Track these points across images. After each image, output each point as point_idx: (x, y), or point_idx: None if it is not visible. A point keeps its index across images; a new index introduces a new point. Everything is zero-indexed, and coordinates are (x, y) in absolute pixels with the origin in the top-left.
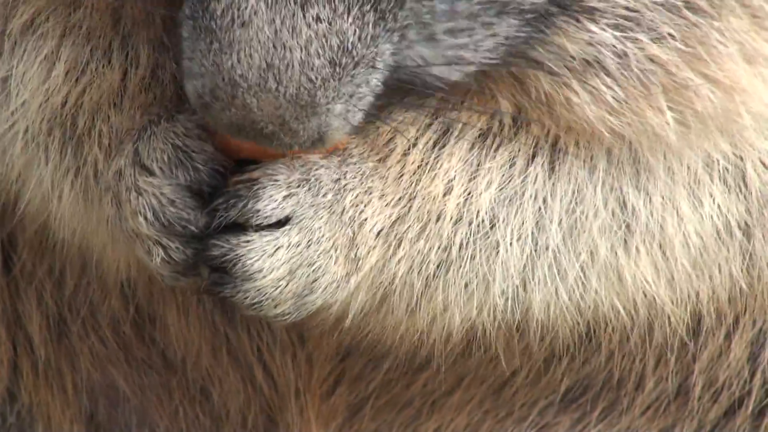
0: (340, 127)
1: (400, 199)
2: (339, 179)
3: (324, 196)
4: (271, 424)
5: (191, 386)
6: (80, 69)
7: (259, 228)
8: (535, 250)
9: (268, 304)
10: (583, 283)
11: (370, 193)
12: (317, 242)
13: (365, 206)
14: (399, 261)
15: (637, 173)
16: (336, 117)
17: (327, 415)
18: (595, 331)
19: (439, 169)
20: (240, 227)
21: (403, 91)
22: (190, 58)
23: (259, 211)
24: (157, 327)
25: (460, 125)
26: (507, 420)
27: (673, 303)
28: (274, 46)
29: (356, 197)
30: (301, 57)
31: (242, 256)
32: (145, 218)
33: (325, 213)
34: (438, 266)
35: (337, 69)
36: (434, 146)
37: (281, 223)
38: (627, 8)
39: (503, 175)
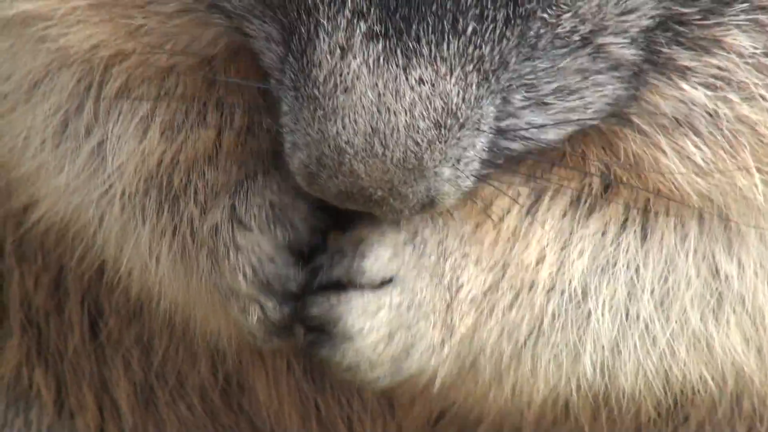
0: (450, 192)
1: (494, 265)
2: (441, 241)
3: (429, 257)
4: None
5: None
6: (176, 129)
7: (361, 287)
8: (627, 320)
9: (365, 368)
10: (672, 352)
11: (467, 258)
12: (418, 305)
13: (462, 271)
14: (490, 329)
15: (729, 240)
16: (445, 181)
17: None
18: (682, 403)
19: (532, 237)
20: (341, 286)
21: (505, 154)
22: (294, 130)
23: (365, 270)
24: (245, 395)
25: (551, 190)
26: None
27: (762, 373)
28: (379, 111)
29: (455, 261)
30: (406, 120)
31: (343, 315)
32: (244, 275)
33: (428, 275)
34: (528, 336)
35: (443, 131)
36: (528, 213)
37: (382, 283)
38: (719, 67)
39: (595, 244)
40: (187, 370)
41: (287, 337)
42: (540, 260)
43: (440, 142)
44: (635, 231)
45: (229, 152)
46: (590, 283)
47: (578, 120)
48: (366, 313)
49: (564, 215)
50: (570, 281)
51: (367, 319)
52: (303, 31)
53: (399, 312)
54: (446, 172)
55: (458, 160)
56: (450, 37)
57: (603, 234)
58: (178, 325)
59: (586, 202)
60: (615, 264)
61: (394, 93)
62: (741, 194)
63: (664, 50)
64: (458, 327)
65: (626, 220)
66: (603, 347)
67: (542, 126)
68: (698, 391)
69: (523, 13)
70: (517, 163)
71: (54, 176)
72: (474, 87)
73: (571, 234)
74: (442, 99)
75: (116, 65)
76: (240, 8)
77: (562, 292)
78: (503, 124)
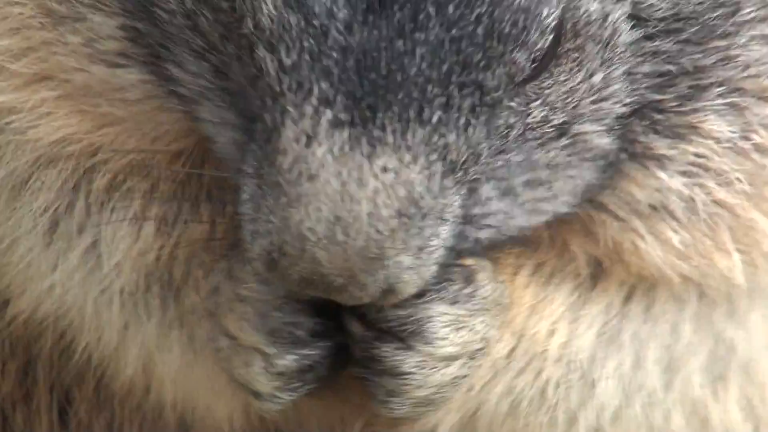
0: (411, 281)
1: (512, 335)
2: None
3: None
4: None
5: None
6: (170, 224)
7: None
8: (630, 390)
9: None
10: (670, 417)
11: (495, 323)
12: (477, 346)
13: (490, 332)
14: (497, 385)
15: (731, 308)
16: (406, 270)
17: None
18: None
19: (544, 311)
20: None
21: (474, 242)
22: (254, 218)
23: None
24: None
25: (558, 269)
26: None
27: None
28: (342, 199)
29: (488, 322)
30: (368, 209)
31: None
32: (254, 327)
33: (481, 322)
34: (531, 399)
35: (405, 220)
36: (541, 285)
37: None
38: (696, 154)
39: (603, 319)
40: None
41: (293, 391)
42: (550, 334)
43: (402, 231)
44: (640, 303)
45: (224, 238)
46: (597, 354)
47: (548, 210)
48: (451, 327)
49: (572, 293)
50: (577, 353)
51: (451, 332)
52: (268, 118)
53: (469, 341)
54: (407, 260)
55: (420, 249)
56: (415, 125)
57: (608, 306)
58: (148, 413)
59: (592, 279)
60: (620, 335)
61: (357, 181)
62: (720, 274)
63: (641, 139)
64: (474, 381)
65: (631, 293)
66: (601, 415)
67: (510, 216)
68: None
69: (490, 101)
70: (493, 248)
71: (45, 276)
72: (438, 176)
73: (579, 311)
74: (405, 188)
75: (101, 162)
76: (195, 93)
77: (569, 363)
78: (470, 212)
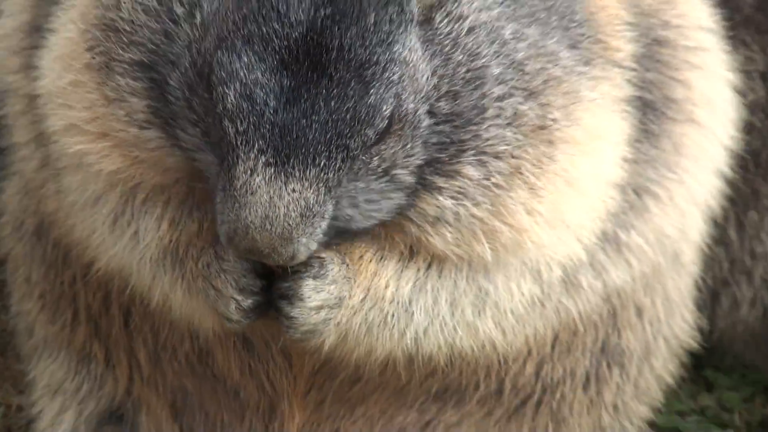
0: (304, 252)
1: (365, 289)
2: (345, 275)
3: (341, 280)
4: (272, 411)
5: (228, 390)
6: (177, 223)
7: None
8: (432, 314)
9: (303, 324)
10: (455, 332)
11: (352, 282)
12: (334, 300)
13: (350, 289)
14: (357, 318)
15: (486, 271)
16: (302, 245)
17: (304, 407)
18: (454, 360)
19: (381, 275)
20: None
21: (336, 231)
22: (221, 213)
23: (303, 294)
24: (210, 358)
25: (390, 249)
26: (403, 407)
27: (505, 343)
28: (269, 206)
29: (349, 284)
30: (284, 212)
31: (301, 289)
32: (230, 285)
33: (338, 288)
34: (380, 323)
35: (303, 218)
36: (379, 260)
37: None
38: (459, 187)
39: (415, 276)
40: (177, 344)
41: (250, 319)
42: (386, 286)
43: (302, 224)
44: (436, 271)
45: (208, 231)
46: (413, 297)
47: (378, 217)
48: (314, 291)
49: (398, 262)
50: (402, 296)
51: (314, 294)
52: (230, 159)
53: (329, 297)
54: (303, 240)
55: (310, 234)
56: (310, 167)
57: (418, 271)
58: (175, 322)
59: (410, 255)
60: (425, 285)
61: (278, 197)
62: (478, 256)
63: (429, 177)
64: (342, 316)
65: (430, 264)
66: (418, 330)
67: (354, 219)
68: (465, 353)
69: (351, 156)
70: (357, 236)
71: (109, 250)
72: (322, 195)
73: (401, 272)
74: (303, 201)
75: (137, 186)
76: (192, 145)
77: (399, 302)
78: (335, 215)
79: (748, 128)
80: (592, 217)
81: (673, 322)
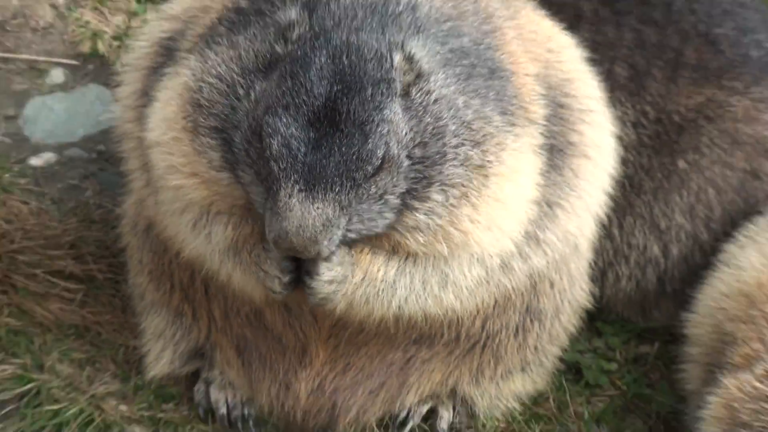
0: (326, 250)
1: (363, 270)
2: (352, 262)
3: (349, 264)
4: (304, 351)
5: (275, 337)
6: (236, 227)
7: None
8: (410, 290)
9: (320, 292)
10: (426, 302)
11: (356, 267)
12: (342, 277)
13: (354, 270)
14: (360, 293)
15: (446, 261)
16: (325, 246)
17: (325, 348)
18: (426, 319)
19: (375, 262)
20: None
21: (348, 238)
22: (269, 224)
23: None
24: (262, 315)
25: (380, 247)
26: (392, 348)
27: (462, 309)
28: (302, 219)
29: (352, 268)
30: (312, 223)
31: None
32: (275, 267)
33: (346, 269)
34: (373, 296)
35: (325, 227)
36: (373, 254)
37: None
38: (428, 207)
39: (398, 264)
40: (240, 306)
41: (288, 290)
42: (378, 269)
43: (324, 232)
44: (412, 261)
45: (257, 234)
46: (397, 278)
47: (375, 229)
48: (327, 269)
49: (385, 256)
50: (389, 277)
51: (327, 271)
52: (274, 188)
53: (338, 275)
54: (325, 243)
55: (330, 239)
56: (329, 192)
57: (400, 260)
58: (237, 293)
59: (393, 251)
60: (405, 270)
61: (308, 213)
62: (439, 252)
63: (408, 201)
64: (349, 289)
65: (408, 255)
66: (402, 299)
67: (361, 231)
68: (435, 315)
69: (358, 184)
70: (363, 239)
71: (190, 245)
72: (338, 212)
73: (388, 260)
74: (326, 215)
75: (214, 207)
76: (248, 181)
77: (386, 281)
78: (348, 228)
79: (624, 161)
80: (517, 223)
81: (574, 291)
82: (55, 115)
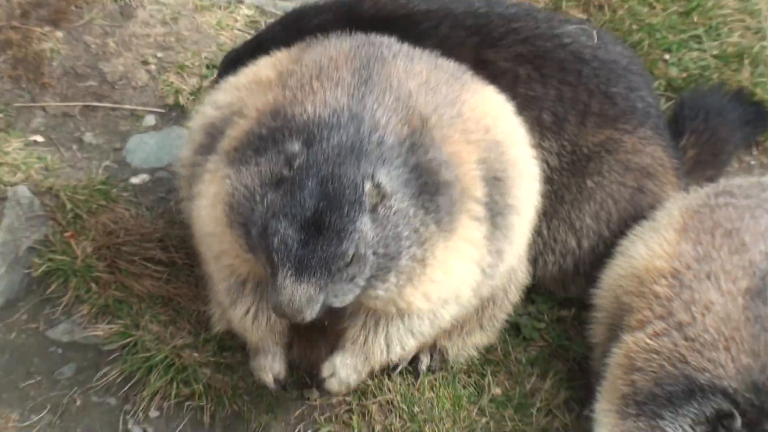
0: (309, 317)
1: (365, 358)
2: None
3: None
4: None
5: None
6: (252, 285)
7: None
8: (398, 341)
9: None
10: (422, 338)
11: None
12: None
13: (353, 371)
14: (361, 357)
15: (402, 318)
16: (308, 315)
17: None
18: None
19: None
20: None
21: (329, 308)
22: (270, 295)
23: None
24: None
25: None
26: None
27: (446, 326)
28: (292, 295)
29: (354, 364)
30: (299, 299)
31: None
32: (277, 321)
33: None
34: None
35: (308, 302)
36: (362, 325)
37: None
38: (387, 287)
39: (385, 321)
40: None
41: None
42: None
43: (308, 305)
44: (398, 318)
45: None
46: (375, 341)
47: (346, 301)
48: (341, 370)
49: (374, 318)
50: (388, 341)
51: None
52: (274, 270)
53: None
54: (308, 312)
55: (312, 309)
56: (312, 278)
57: (385, 316)
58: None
59: (374, 312)
60: (379, 320)
61: (296, 291)
62: (409, 307)
63: (373, 281)
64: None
65: (376, 321)
66: (393, 350)
67: (335, 303)
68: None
69: (334, 273)
70: (334, 310)
71: (221, 285)
72: (319, 291)
73: (376, 324)
74: (308, 294)
75: (240, 272)
76: (261, 262)
77: (375, 350)
78: (326, 301)
79: (550, 180)
80: (471, 274)
81: (518, 276)
82: (149, 148)
